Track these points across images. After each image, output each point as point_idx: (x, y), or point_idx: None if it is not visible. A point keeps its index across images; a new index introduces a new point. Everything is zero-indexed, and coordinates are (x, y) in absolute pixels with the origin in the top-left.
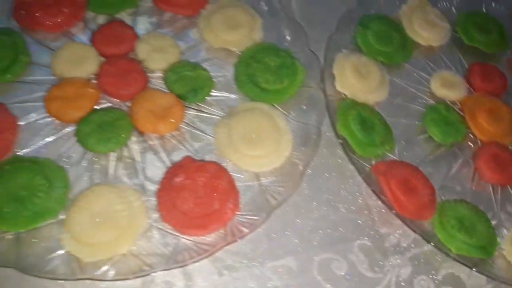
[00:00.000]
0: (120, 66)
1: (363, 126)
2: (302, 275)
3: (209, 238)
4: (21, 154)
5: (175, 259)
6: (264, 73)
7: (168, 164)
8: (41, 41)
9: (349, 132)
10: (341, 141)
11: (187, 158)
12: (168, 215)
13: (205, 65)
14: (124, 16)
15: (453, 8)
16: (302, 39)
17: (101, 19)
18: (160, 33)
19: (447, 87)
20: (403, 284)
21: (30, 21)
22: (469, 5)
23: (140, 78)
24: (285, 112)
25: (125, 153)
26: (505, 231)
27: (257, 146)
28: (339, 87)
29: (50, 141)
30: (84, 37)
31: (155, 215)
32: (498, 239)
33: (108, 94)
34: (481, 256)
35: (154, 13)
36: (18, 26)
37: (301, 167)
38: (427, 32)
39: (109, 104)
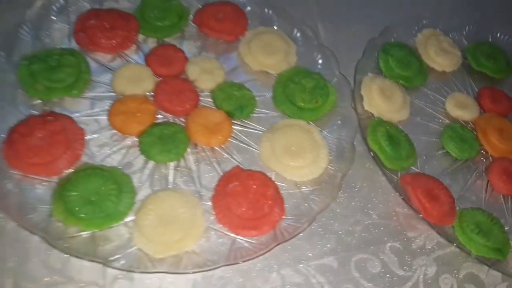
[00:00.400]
0: (174, 85)
1: (390, 142)
2: (342, 272)
3: (262, 238)
4: (90, 162)
5: (232, 257)
6: (300, 94)
7: (219, 173)
8: (99, 61)
9: (379, 147)
10: (372, 155)
11: (237, 168)
12: (224, 218)
13: (247, 85)
14: (172, 40)
15: (463, 38)
16: (333, 64)
17: (151, 43)
18: (207, 56)
19: (461, 108)
20: (429, 281)
21: (90, 43)
22: (477, 35)
23: (192, 96)
24: (320, 129)
25: (182, 163)
26: None
27: (298, 158)
28: (367, 107)
29: (114, 152)
30: (137, 58)
31: (212, 218)
32: (511, 243)
33: (164, 110)
34: (497, 257)
35: (198, 38)
36: (78, 47)
37: (338, 178)
38: (441, 58)
39: (165, 119)
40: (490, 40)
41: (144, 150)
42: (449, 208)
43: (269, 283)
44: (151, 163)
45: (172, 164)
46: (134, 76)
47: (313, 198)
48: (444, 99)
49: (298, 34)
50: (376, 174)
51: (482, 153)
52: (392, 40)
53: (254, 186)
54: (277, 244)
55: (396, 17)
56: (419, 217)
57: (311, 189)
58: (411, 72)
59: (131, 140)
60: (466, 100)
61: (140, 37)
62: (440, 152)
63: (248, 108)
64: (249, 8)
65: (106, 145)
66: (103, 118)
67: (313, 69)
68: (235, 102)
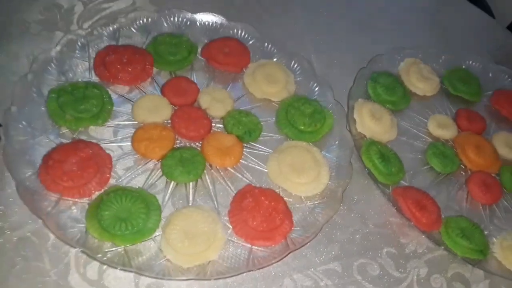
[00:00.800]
0: (189, 113)
1: (382, 159)
2: (346, 276)
3: (275, 248)
4: (117, 184)
5: (251, 264)
6: (301, 118)
7: (233, 190)
8: (119, 93)
9: (372, 164)
10: (367, 171)
11: (250, 186)
12: (241, 230)
13: (253, 112)
14: (183, 72)
15: (440, 66)
16: (328, 91)
17: (164, 75)
18: (216, 87)
19: (441, 127)
20: (422, 281)
21: (110, 76)
22: (452, 63)
23: (206, 123)
24: (320, 149)
25: (200, 183)
26: (494, 239)
27: (302, 175)
28: (360, 129)
29: (139, 174)
30: (152, 89)
31: (229, 231)
32: (490, 245)
33: (182, 136)
34: (480, 257)
35: (207, 70)
36: (99, 80)
37: (339, 193)
38: (422, 84)
39: (182, 144)
40: (463, 67)
41: (167, 172)
42: (436, 216)
43: (283, 287)
44: (172, 184)
45: (191, 184)
46: (153, 106)
47: (318, 211)
48: (426, 120)
49: (296, 66)
50: (371, 188)
51: (462, 167)
52: (379, 69)
53: (266, 202)
54: (289, 252)
55: (380, 48)
56: (410, 225)
57: (315, 203)
58: (396, 97)
59: (153, 163)
60: (446, 120)
61: (154, 70)
62: (425, 167)
63: (256, 132)
64: (251, 42)
65: (131, 168)
66: (127, 144)
67: (311, 96)
68: (244, 127)
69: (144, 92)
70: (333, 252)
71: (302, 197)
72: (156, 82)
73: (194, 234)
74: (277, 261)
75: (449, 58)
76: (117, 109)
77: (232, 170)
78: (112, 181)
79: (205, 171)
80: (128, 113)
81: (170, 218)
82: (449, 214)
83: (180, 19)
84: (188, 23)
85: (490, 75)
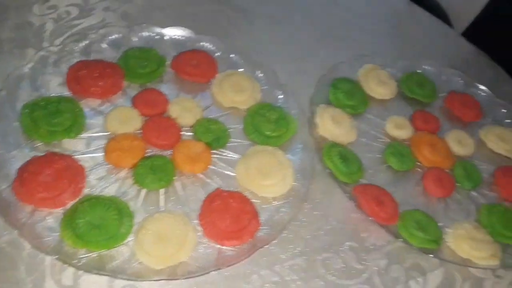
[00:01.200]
0: (160, 123)
1: (343, 160)
2: (311, 270)
3: (243, 247)
4: (90, 193)
5: (220, 263)
6: (266, 124)
7: (204, 195)
8: (91, 106)
9: (333, 165)
10: (328, 171)
11: (218, 190)
12: (210, 232)
13: (221, 119)
14: (152, 84)
15: (396, 70)
16: (291, 98)
17: (134, 88)
18: (185, 97)
19: (398, 128)
20: (382, 272)
21: (82, 90)
22: (408, 68)
23: (176, 132)
24: (285, 152)
25: (171, 189)
26: (447, 229)
27: (268, 178)
28: (321, 133)
29: (111, 183)
30: (123, 101)
31: (200, 233)
32: (444, 235)
33: (153, 145)
34: (434, 247)
35: (175, 82)
36: (71, 94)
37: (302, 192)
38: (380, 88)
39: (153, 152)
40: (419, 71)
41: (138, 180)
42: (393, 211)
43: (251, 284)
44: (143, 191)
45: (162, 191)
46: (124, 117)
47: (284, 210)
48: (384, 122)
49: (261, 75)
50: (332, 187)
51: (418, 164)
52: (339, 76)
53: (234, 204)
54: (256, 249)
55: (341, 56)
56: (370, 220)
57: (281, 203)
58: (356, 101)
59: (125, 172)
60: (402, 121)
61: (125, 83)
62: (383, 166)
63: (224, 138)
64: (217, 54)
65: (104, 178)
66: (99, 155)
67: (275, 104)
68: (212, 134)
69: (116, 105)
70: (298, 249)
71: (269, 198)
72: (127, 95)
73: (165, 237)
74: (245, 258)
75: (406, 63)
76: (90, 122)
77: (201, 176)
78: (86, 191)
79: (175, 177)
80: (100, 125)
81: (142, 223)
82: (406, 209)
83: (150, 33)
84: (157, 37)
85: (444, 78)
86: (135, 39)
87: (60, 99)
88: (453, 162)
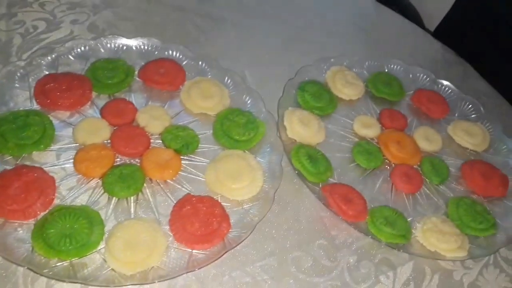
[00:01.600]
0: (128, 132)
1: (311, 160)
2: (282, 269)
3: (214, 249)
4: (61, 203)
5: (190, 266)
6: (235, 129)
7: (173, 201)
8: (60, 119)
9: (301, 165)
10: (297, 172)
11: (188, 195)
12: (181, 237)
13: (190, 126)
14: (121, 94)
15: (364, 71)
16: (259, 102)
17: (103, 98)
18: (154, 105)
19: (366, 127)
20: (352, 268)
21: (50, 103)
22: (375, 68)
23: (144, 140)
24: (254, 155)
25: (140, 196)
26: (417, 224)
27: (238, 181)
28: (290, 135)
29: (82, 193)
30: (92, 112)
31: (171, 238)
32: (413, 230)
33: (121, 153)
34: (403, 241)
35: (144, 90)
36: (40, 108)
37: (271, 194)
38: (347, 89)
39: (122, 161)
40: (386, 70)
41: (108, 188)
42: (362, 208)
43: (223, 285)
44: (114, 199)
45: (132, 198)
46: (93, 128)
47: (253, 212)
48: (352, 122)
49: (229, 81)
50: (302, 187)
51: (386, 161)
52: (306, 78)
53: (204, 208)
54: (226, 251)
55: (309, 59)
56: (339, 218)
57: (251, 205)
58: (323, 103)
59: (95, 182)
60: (370, 120)
61: (94, 94)
62: (352, 165)
63: (193, 144)
64: (185, 62)
65: (74, 188)
66: (69, 166)
67: (244, 108)
68: (181, 141)
69: (84, 116)
70: (269, 249)
71: (239, 201)
72: (96, 105)
73: (135, 244)
74: (215, 260)
75: (373, 63)
76: (59, 134)
77: (171, 182)
78: (56, 202)
79: (145, 184)
80: (69, 136)
81: (113, 230)
82: (375, 205)
83: (117, 44)
84: (125, 48)
85: (411, 76)
86: (102, 50)
87: (29, 113)
88: (420, 158)
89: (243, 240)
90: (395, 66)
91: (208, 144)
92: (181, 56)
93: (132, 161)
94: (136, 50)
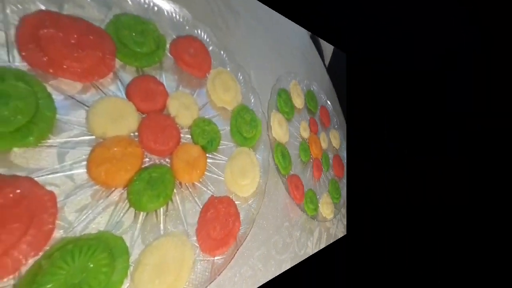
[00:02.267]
0: (159, 122)
1: (283, 157)
2: (268, 254)
3: (228, 251)
4: (66, 236)
5: (213, 276)
6: (244, 126)
7: (200, 206)
8: (66, 92)
9: (278, 161)
10: (276, 166)
11: (212, 197)
12: (205, 245)
13: (214, 120)
14: (151, 70)
15: (304, 87)
16: (258, 102)
17: (129, 71)
18: (184, 92)
19: (304, 130)
20: (297, 240)
21: (49, 63)
22: (308, 86)
23: (175, 133)
24: (255, 152)
25: (170, 206)
26: (320, 200)
27: (246, 178)
28: (273, 134)
29: (99, 213)
30: (115, 89)
31: (197, 250)
32: (319, 204)
33: (150, 151)
34: (316, 213)
35: (175, 71)
36: (28, 68)
37: (263, 187)
38: (298, 99)
39: (151, 161)
40: (312, 89)
41: (135, 200)
42: (302, 192)
43: (236, 285)
44: (142, 216)
45: (162, 210)
46: (116, 113)
47: (253, 206)
48: (299, 126)
49: (241, 77)
50: (278, 179)
51: (311, 156)
52: (282, 86)
53: (223, 209)
54: (237, 249)
55: (279, 71)
56: (293, 202)
57: (252, 200)
58: (288, 109)
59: (118, 193)
60: (305, 125)
61: (117, 63)
62: (299, 159)
63: (216, 140)
64: (211, 48)
65: (87, 207)
66: (80, 172)
67: (249, 106)
68: (207, 136)
69: (104, 93)
70: (260, 237)
71: (246, 197)
72: (120, 80)
73: (164, 267)
74: (231, 260)
75: (307, 82)
76: (63, 118)
77: (198, 185)
78: (58, 234)
79: (175, 190)
80: (81, 123)
81: (139, 258)
82: (306, 189)
83: (148, 1)
84: (156, 8)
85: (320, 95)
86: (130, 2)
87: (4, 75)
88: (322, 153)
89: (247, 235)
90: (314, 87)
91: (226, 141)
92: (208, 40)
93: (162, 161)
94: (167, 17)
